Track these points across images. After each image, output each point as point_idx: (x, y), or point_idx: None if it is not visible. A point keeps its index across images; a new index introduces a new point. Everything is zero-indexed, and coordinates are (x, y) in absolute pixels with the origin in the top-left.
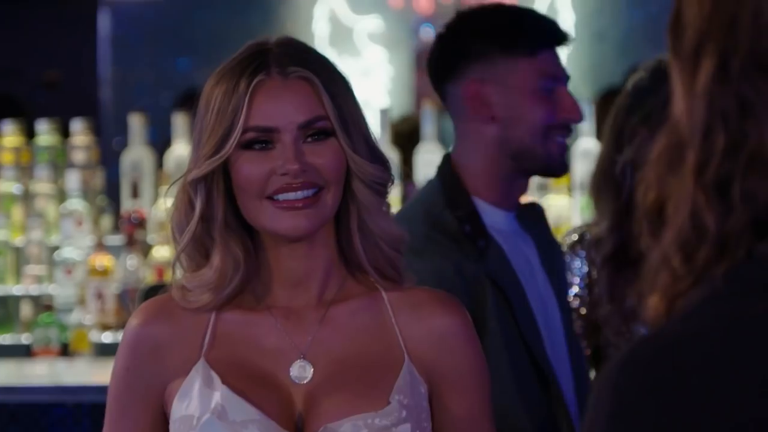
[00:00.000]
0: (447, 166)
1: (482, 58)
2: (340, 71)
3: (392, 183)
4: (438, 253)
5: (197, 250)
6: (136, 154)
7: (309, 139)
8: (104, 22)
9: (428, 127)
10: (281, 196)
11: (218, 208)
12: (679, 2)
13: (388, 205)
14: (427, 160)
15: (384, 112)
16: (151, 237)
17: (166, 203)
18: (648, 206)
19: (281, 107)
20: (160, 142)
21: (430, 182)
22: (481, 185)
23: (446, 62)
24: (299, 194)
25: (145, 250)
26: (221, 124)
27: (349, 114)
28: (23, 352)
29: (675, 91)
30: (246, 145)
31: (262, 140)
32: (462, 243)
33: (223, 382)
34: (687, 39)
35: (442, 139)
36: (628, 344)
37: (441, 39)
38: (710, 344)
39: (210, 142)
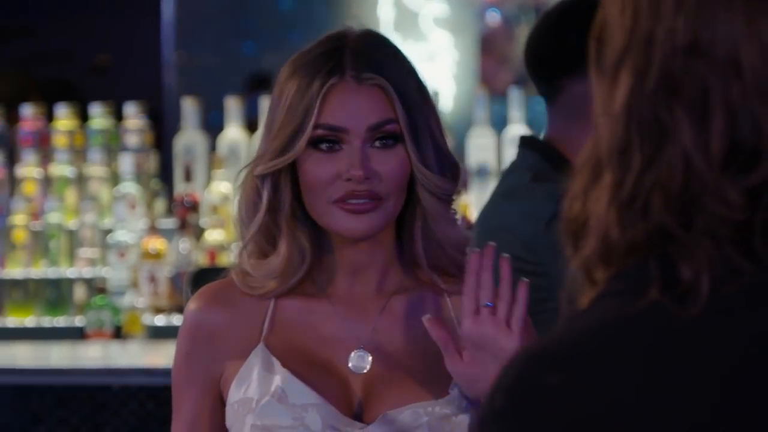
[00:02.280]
0: (543, 144)
1: None
2: (416, 73)
3: (460, 192)
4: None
5: (264, 238)
6: (190, 137)
7: (377, 143)
8: (168, 4)
9: (481, 112)
10: (349, 201)
11: (285, 201)
12: (603, 12)
13: (455, 211)
14: (480, 145)
15: (436, 95)
16: (203, 220)
17: (223, 185)
18: (570, 219)
19: (353, 111)
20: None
21: (526, 156)
22: None
23: (568, 58)
24: (361, 201)
25: (198, 233)
26: (292, 121)
27: (420, 120)
28: (76, 334)
29: (596, 103)
30: (314, 144)
31: (329, 140)
32: None
33: (283, 365)
34: (608, 52)
35: (493, 124)
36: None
37: (560, 31)
38: (569, 348)
39: (280, 138)
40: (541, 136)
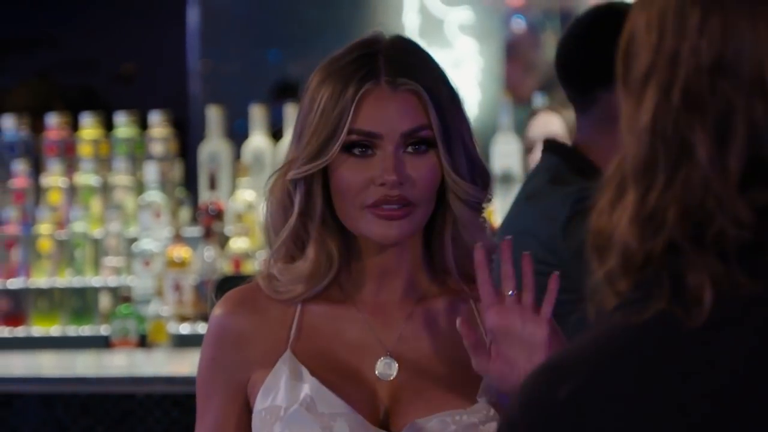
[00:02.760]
0: (566, 147)
1: None
2: (448, 80)
3: (490, 199)
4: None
5: (293, 243)
6: (214, 145)
7: (410, 149)
8: (193, 13)
9: (505, 118)
10: (382, 206)
11: (316, 207)
12: (630, 27)
13: (484, 219)
14: (504, 151)
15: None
16: (228, 228)
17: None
18: (596, 233)
19: (387, 116)
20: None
21: (547, 159)
22: None
23: (603, 68)
24: (394, 206)
25: (223, 241)
26: (326, 126)
27: (452, 127)
28: (102, 343)
29: (623, 119)
30: (347, 149)
31: (363, 145)
32: None
33: (312, 374)
34: (635, 68)
35: (518, 130)
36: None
37: (594, 40)
38: (577, 360)
39: (313, 143)
40: (569, 142)
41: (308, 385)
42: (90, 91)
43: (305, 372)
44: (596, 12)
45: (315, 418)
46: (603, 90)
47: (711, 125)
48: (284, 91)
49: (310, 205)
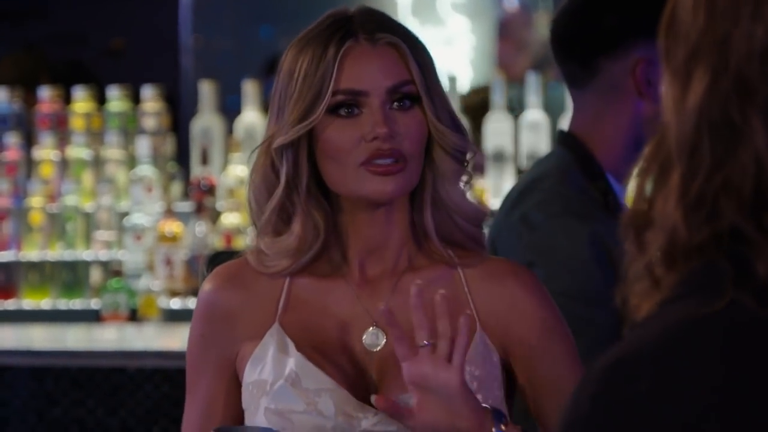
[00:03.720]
0: (573, 140)
1: (650, 37)
2: (421, 40)
3: (474, 153)
4: (593, 217)
5: (278, 216)
6: (206, 121)
7: (395, 105)
8: None
9: (498, 97)
10: (376, 161)
11: (303, 175)
12: (673, 3)
13: (469, 176)
14: (497, 130)
15: (453, 80)
16: (220, 204)
17: (240, 168)
18: (635, 214)
19: (370, 71)
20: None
21: (556, 154)
22: (614, 161)
23: (605, 37)
24: (388, 161)
25: (214, 216)
26: (310, 89)
27: (433, 81)
28: (92, 317)
29: (665, 99)
30: (332, 110)
31: (349, 104)
32: (607, 213)
33: (298, 348)
34: (680, 48)
35: (510, 109)
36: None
37: (594, 10)
38: (652, 352)
39: (298, 108)
40: (566, 127)
41: (293, 360)
42: (78, 64)
43: (291, 346)
44: None
45: (300, 394)
46: (605, 59)
47: (763, 111)
48: (276, 66)
49: (297, 174)
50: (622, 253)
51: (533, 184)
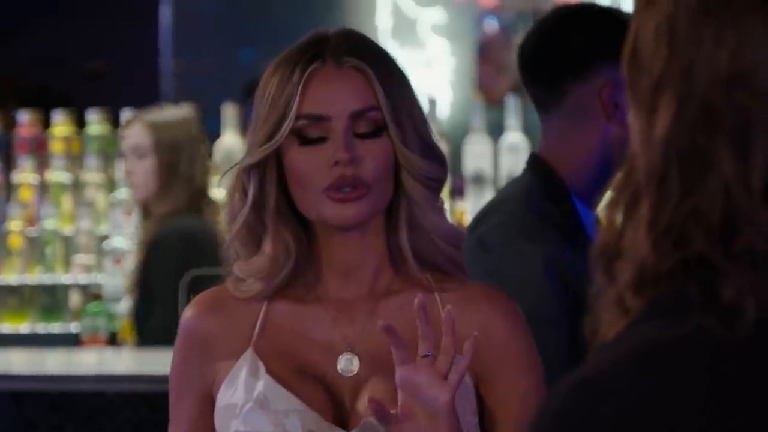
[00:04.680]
0: (540, 163)
1: (616, 60)
2: (396, 63)
3: (445, 179)
4: (549, 240)
5: (250, 238)
6: None
7: (361, 131)
8: (166, 11)
9: (477, 119)
10: (337, 188)
11: (270, 196)
12: (634, 34)
13: (442, 201)
14: (476, 152)
15: (433, 102)
16: None
17: (219, 192)
18: (605, 245)
19: (334, 95)
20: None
21: (522, 177)
22: (582, 184)
23: (572, 60)
24: (349, 188)
25: None
26: (275, 111)
27: (402, 106)
28: (72, 341)
29: (633, 129)
30: (298, 135)
31: (315, 136)
32: (566, 236)
33: (268, 371)
34: (644, 79)
35: (490, 132)
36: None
37: (561, 34)
38: (616, 374)
39: (264, 129)
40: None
41: (263, 382)
42: (57, 87)
43: (262, 369)
44: (561, 9)
45: (268, 416)
46: (572, 82)
47: (730, 138)
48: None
49: (264, 194)
50: (588, 281)
51: (494, 207)
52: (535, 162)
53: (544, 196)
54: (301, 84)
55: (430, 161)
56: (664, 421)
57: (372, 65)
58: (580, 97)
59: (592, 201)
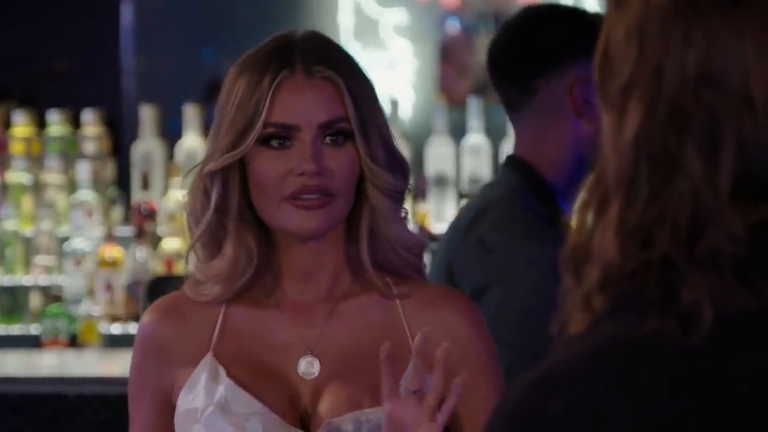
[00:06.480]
0: (520, 163)
1: (585, 57)
2: (364, 72)
3: (408, 190)
4: (549, 238)
5: (211, 241)
6: (147, 145)
7: (328, 140)
8: (127, 10)
9: (439, 121)
10: (301, 196)
11: (233, 201)
12: (605, 35)
13: (405, 211)
14: (438, 154)
15: (395, 104)
16: (160, 228)
17: (180, 193)
18: (574, 248)
19: (303, 105)
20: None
21: (506, 179)
22: (560, 182)
23: (542, 58)
24: (313, 196)
25: (155, 241)
26: (242, 117)
27: (369, 118)
28: (32, 342)
29: (603, 131)
30: (264, 141)
31: (280, 136)
32: (561, 234)
33: (228, 375)
34: (614, 81)
35: (452, 133)
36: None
37: (531, 33)
38: (570, 372)
39: (229, 135)
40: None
41: (223, 386)
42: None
43: (222, 373)
44: (529, 9)
45: (229, 419)
46: (543, 80)
47: (699, 140)
48: (218, 90)
49: (227, 199)
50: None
51: (487, 208)
52: (514, 163)
53: (533, 196)
54: (271, 92)
55: (395, 174)
56: (617, 420)
57: (342, 75)
58: (550, 95)
59: (571, 199)
